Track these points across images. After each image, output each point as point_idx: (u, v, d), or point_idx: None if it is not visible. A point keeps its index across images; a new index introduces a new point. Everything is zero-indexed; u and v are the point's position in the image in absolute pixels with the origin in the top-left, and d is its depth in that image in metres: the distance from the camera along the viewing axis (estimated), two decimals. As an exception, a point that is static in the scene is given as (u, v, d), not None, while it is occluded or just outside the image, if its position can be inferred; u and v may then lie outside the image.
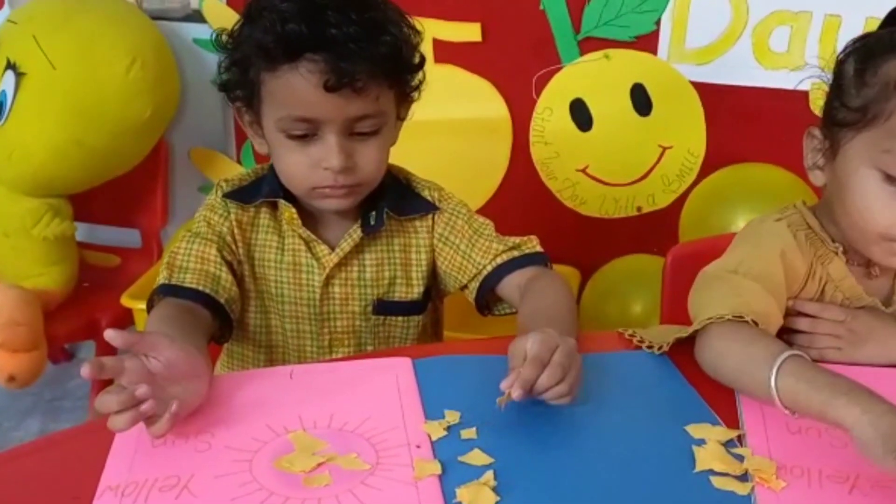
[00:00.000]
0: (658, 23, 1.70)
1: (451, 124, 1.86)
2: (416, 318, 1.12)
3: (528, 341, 0.82)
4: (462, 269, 1.09)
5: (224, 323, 1.02)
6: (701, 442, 0.79)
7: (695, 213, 1.74)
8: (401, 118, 1.07)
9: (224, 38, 1.02)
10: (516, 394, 0.78)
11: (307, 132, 0.98)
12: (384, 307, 1.10)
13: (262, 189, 1.06)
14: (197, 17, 1.92)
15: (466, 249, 1.08)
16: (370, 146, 1.00)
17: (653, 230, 1.84)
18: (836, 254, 0.95)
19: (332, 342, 1.10)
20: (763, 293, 0.91)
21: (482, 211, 1.83)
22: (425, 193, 1.12)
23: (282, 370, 0.93)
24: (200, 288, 0.99)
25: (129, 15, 1.80)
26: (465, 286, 1.10)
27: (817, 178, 0.96)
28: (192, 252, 1.02)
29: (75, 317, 1.81)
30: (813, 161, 0.95)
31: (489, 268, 1.07)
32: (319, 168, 0.99)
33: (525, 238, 1.10)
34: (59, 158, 1.69)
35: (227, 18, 1.85)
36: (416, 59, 1.04)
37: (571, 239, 1.89)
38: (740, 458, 0.77)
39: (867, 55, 0.90)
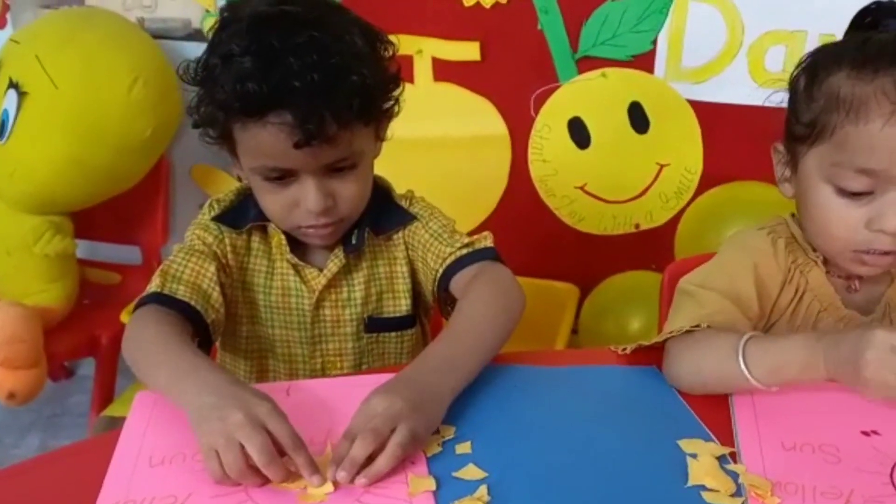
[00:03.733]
0: (655, 42, 1.71)
1: (450, 142, 1.88)
2: (409, 332, 1.12)
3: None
4: (426, 277, 1.08)
5: (202, 344, 0.98)
6: (694, 457, 0.80)
7: (691, 230, 1.75)
8: (381, 139, 1.05)
9: (192, 72, 0.97)
10: (340, 476, 0.75)
11: (283, 175, 0.96)
12: (375, 324, 1.10)
13: (250, 211, 1.05)
14: (199, 36, 1.94)
15: (423, 255, 1.07)
16: (349, 181, 0.99)
17: (651, 247, 1.85)
18: (816, 263, 0.96)
19: (324, 365, 1.10)
20: (727, 305, 0.92)
21: (482, 228, 1.84)
22: (402, 203, 1.10)
23: (278, 386, 0.93)
24: (192, 303, 0.97)
25: (131, 34, 1.81)
26: (435, 293, 1.09)
27: (787, 190, 0.98)
28: (188, 265, 1.01)
29: (76, 334, 1.82)
30: (781, 174, 0.97)
31: (440, 270, 1.05)
32: (299, 209, 0.98)
33: (477, 235, 1.08)
34: (61, 177, 1.70)
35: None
36: (393, 81, 1.00)
37: (570, 256, 1.90)
38: (734, 474, 0.78)
39: (814, 69, 0.91)
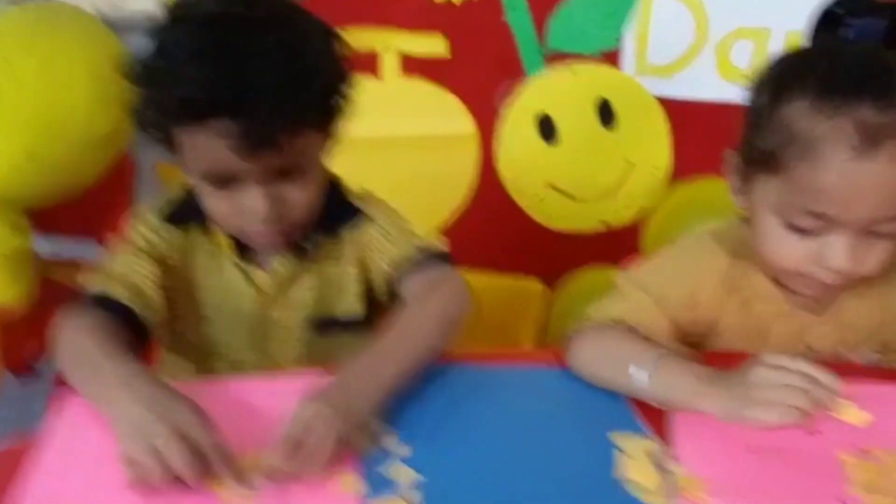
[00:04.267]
0: (622, 37, 1.70)
1: (418, 139, 1.86)
2: (360, 333, 1.09)
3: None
4: (378, 278, 1.06)
5: (139, 345, 0.96)
6: (627, 453, 0.78)
7: (658, 228, 1.74)
8: (333, 138, 1.00)
9: (136, 70, 0.93)
10: (283, 452, 0.75)
11: (229, 180, 0.92)
12: (325, 327, 1.08)
13: (194, 209, 1.00)
14: (163, 30, 1.91)
15: (376, 256, 1.05)
16: (297, 186, 0.95)
17: (619, 244, 1.83)
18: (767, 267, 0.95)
19: (272, 368, 1.07)
20: (652, 306, 0.92)
21: (449, 226, 1.86)
22: (354, 202, 1.07)
23: (213, 385, 0.91)
24: (130, 304, 0.95)
25: (93, 29, 1.78)
26: (390, 293, 1.06)
27: (739, 202, 0.96)
28: (127, 264, 0.98)
29: (38, 332, 1.79)
30: (734, 185, 0.95)
31: (392, 272, 1.03)
32: (245, 213, 0.94)
33: (431, 239, 1.06)
34: (17, 174, 1.67)
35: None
36: (344, 81, 0.96)
37: (539, 253, 1.88)
38: (668, 472, 0.76)
39: (778, 87, 0.87)
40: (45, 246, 1.97)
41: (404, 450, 0.79)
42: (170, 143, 0.94)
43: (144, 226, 1.03)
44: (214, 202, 0.96)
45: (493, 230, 1.87)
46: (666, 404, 0.84)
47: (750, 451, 0.79)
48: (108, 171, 1.86)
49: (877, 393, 0.87)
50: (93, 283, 0.96)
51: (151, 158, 2.01)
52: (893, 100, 0.81)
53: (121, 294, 0.96)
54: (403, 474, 0.76)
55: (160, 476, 0.73)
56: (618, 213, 1.83)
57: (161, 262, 1.01)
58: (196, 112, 0.87)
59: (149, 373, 0.83)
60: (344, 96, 0.97)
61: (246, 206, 0.93)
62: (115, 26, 1.90)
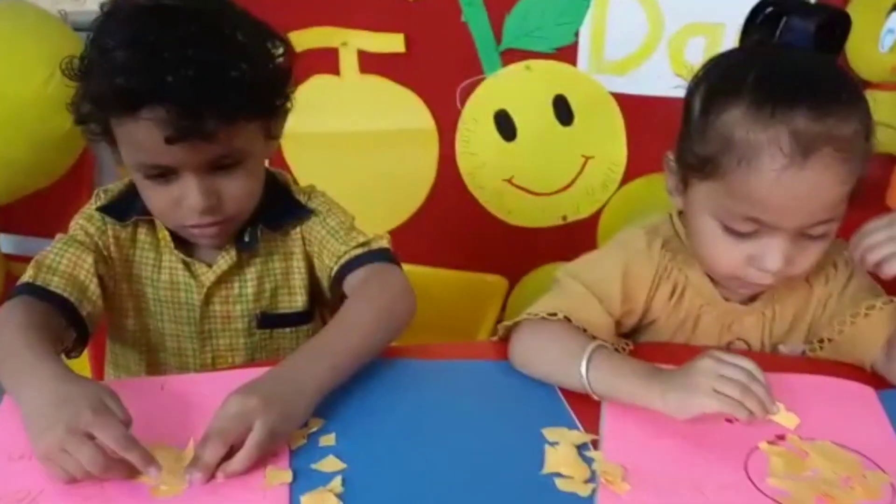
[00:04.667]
0: (577, 34, 1.71)
1: (378, 135, 1.87)
2: (304, 327, 1.11)
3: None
4: (322, 272, 1.08)
5: (79, 336, 0.97)
6: (555, 445, 0.80)
7: (613, 222, 1.76)
8: (273, 137, 1.02)
9: (74, 67, 0.94)
10: (195, 478, 0.75)
11: (164, 172, 0.93)
12: (269, 321, 1.09)
13: (137, 203, 1.01)
14: (124, 29, 1.92)
15: (319, 251, 1.06)
16: (235, 179, 0.96)
17: (578, 238, 1.85)
18: (696, 259, 0.97)
19: (214, 360, 1.09)
20: (589, 298, 0.94)
21: (410, 222, 1.87)
22: (300, 198, 1.09)
23: (155, 381, 0.93)
24: (65, 296, 0.95)
25: (50, 27, 1.79)
26: (333, 289, 1.07)
27: (677, 202, 0.98)
28: (65, 255, 0.99)
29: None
30: (672, 186, 0.97)
31: (335, 268, 1.04)
32: (183, 206, 0.95)
33: (374, 235, 1.07)
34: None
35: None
36: (282, 79, 0.98)
37: (498, 248, 1.90)
38: (591, 461, 0.78)
39: (712, 95, 0.89)
40: (7, 244, 1.98)
41: (332, 440, 0.81)
42: (109, 138, 0.96)
43: (85, 219, 1.03)
44: (152, 196, 0.97)
45: (452, 225, 1.88)
46: (602, 395, 0.86)
47: (670, 438, 0.81)
48: (68, 169, 1.87)
49: (800, 383, 0.90)
50: (27, 275, 0.97)
51: (111, 156, 2.02)
52: (827, 108, 0.83)
53: (55, 283, 0.96)
54: (331, 465, 0.78)
55: (74, 472, 0.74)
56: (576, 207, 1.85)
57: (98, 253, 1.01)
58: (126, 100, 0.88)
59: (57, 362, 0.84)
60: (279, 92, 0.98)
61: (182, 199, 0.94)
62: (77, 26, 1.91)
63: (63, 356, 0.94)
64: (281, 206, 1.07)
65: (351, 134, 1.84)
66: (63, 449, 0.73)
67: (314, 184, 1.15)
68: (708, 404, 0.78)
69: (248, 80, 0.90)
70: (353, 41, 1.80)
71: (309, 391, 0.84)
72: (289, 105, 1.01)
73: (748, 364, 0.81)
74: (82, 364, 1.26)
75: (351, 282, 1.03)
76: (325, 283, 1.08)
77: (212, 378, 0.95)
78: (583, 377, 0.85)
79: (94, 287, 0.99)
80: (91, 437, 0.74)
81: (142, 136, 0.89)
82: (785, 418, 0.83)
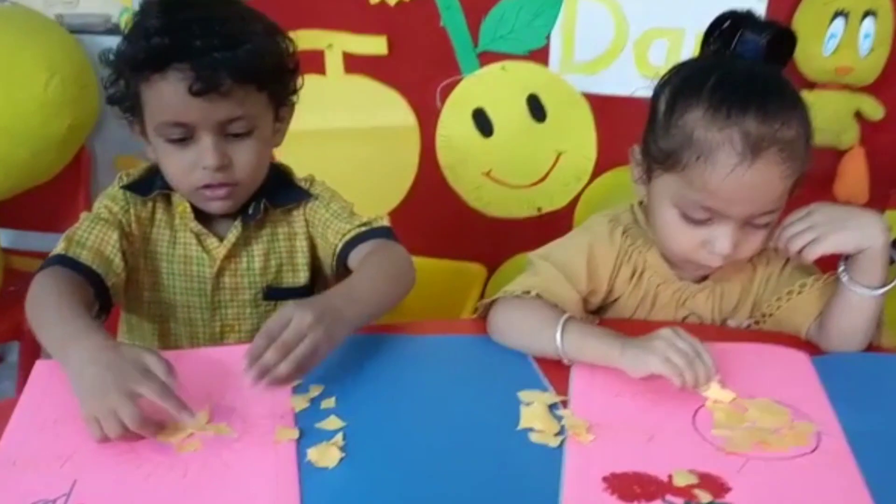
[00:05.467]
0: (549, 37, 1.82)
1: (362, 132, 1.97)
2: None
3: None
4: (324, 252, 1.19)
5: (103, 306, 1.08)
6: (529, 405, 0.92)
7: (586, 212, 1.87)
8: (280, 120, 1.16)
9: (109, 55, 1.10)
10: (251, 374, 0.88)
11: (184, 136, 1.06)
12: (274, 293, 1.20)
13: (157, 181, 1.15)
14: (118, 30, 2.00)
15: (323, 232, 1.19)
16: (244, 146, 1.09)
17: (552, 228, 1.92)
18: (654, 244, 1.09)
19: (223, 329, 1.20)
20: (559, 277, 1.05)
21: (394, 214, 1.98)
22: (300, 183, 1.22)
23: (168, 355, 1.02)
24: (94, 268, 1.06)
25: (48, 31, 1.87)
26: (333, 267, 1.19)
27: (640, 191, 1.09)
28: (92, 232, 1.10)
29: (1, 320, 1.88)
30: (637, 176, 1.09)
31: (339, 245, 1.16)
32: (198, 168, 1.07)
33: (374, 216, 1.20)
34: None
35: (146, 33, 1.96)
36: (289, 66, 1.13)
37: (477, 238, 2.00)
38: (560, 418, 0.90)
39: (676, 94, 1.01)
40: (5, 238, 2.06)
41: (332, 403, 0.92)
42: (136, 109, 1.09)
43: (109, 199, 1.16)
44: (171, 160, 1.09)
45: (434, 217, 1.99)
46: (572, 358, 0.97)
47: (629, 398, 0.93)
48: (66, 167, 1.95)
49: (744, 351, 1.02)
50: (59, 248, 1.09)
51: (109, 153, 2.10)
52: (774, 114, 0.96)
53: (84, 256, 1.07)
54: (332, 424, 0.88)
55: (117, 433, 0.84)
56: (550, 199, 1.97)
57: (121, 229, 1.13)
58: (158, 56, 1.02)
59: (101, 331, 0.94)
60: (285, 71, 1.13)
61: (199, 161, 1.07)
62: (72, 28, 1.99)
63: None
64: (282, 187, 1.20)
65: (337, 131, 1.94)
66: (110, 409, 0.83)
67: (282, 163, 1.26)
68: (656, 364, 0.90)
69: (260, 53, 1.06)
70: (338, 43, 1.90)
71: (347, 322, 0.96)
72: (294, 98, 1.15)
73: (699, 345, 0.92)
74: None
75: (356, 256, 1.15)
76: (327, 260, 1.19)
77: (221, 353, 1.05)
78: (557, 342, 0.96)
79: (118, 261, 1.10)
80: (135, 397, 0.84)
81: (169, 90, 1.03)
82: (721, 394, 0.93)
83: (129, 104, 1.10)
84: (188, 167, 1.08)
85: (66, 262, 1.06)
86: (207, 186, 1.09)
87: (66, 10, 2.01)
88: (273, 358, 0.88)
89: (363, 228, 1.16)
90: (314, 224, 1.20)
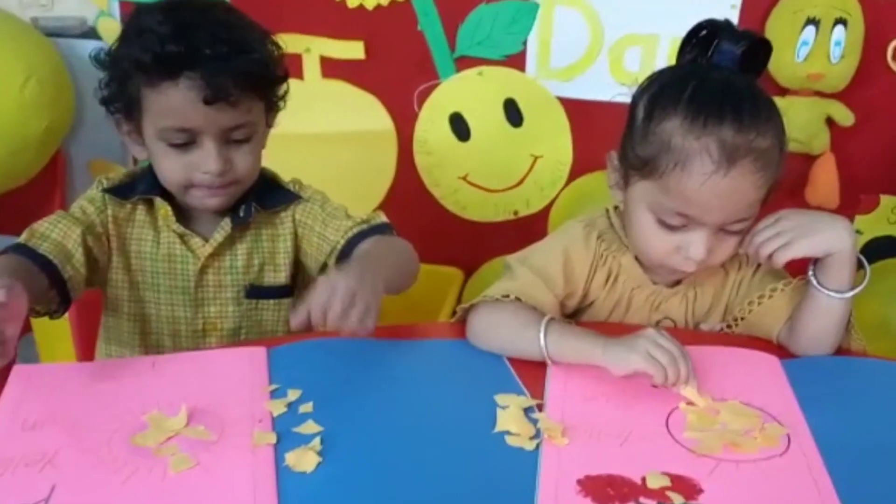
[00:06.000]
0: (525, 43, 1.84)
1: (339, 135, 1.98)
2: (285, 301, 1.24)
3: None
4: (319, 249, 1.21)
5: (62, 300, 1.08)
6: (505, 408, 0.93)
7: (561, 216, 1.89)
8: (268, 125, 1.19)
9: (103, 56, 1.11)
10: (314, 315, 0.92)
11: (187, 140, 1.09)
12: (255, 292, 1.22)
13: (139, 186, 1.16)
14: (94, 34, 1.99)
15: (321, 230, 1.20)
16: (244, 151, 1.12)
17: (529, 232, 1.96)
18: (628, 248, 1.11)
19: (205, 326, 1.21)
20: (536, 281, 1.06)
21: (371, 217, 1.97)
22: (288, 186, 1.24)
23: (146, 360, 1.03)
24: (50, 258, 1.06)
25: (24, 34, 1.86)
26: (325, 264, 1.21)
27: (616, 195, 1.11)
28: (56, 226, 1.11)
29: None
30: (613, 181, 1.10)
31: (342, 242, 1.18)
32: (197, 171, 1.10)
33: (372, 213, 1.23)
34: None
35: (122, 35, 1.96)
36: (280, 73, 1.16)
37: (454, 242, 2.02)
38: (536, 421, 0.91)
39: (654, 102, 1.02)
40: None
41: (310, 407, 0.92)
42: (133, 113, 1.10)
43: (87, 200, 1.17)
44: (170, 163, 1.10)
45: (411, 220, 1.97)
46: (556, 357, 0.98)
47: (603, 400, 0.94)
48: (41, 170, 1.94)
49: (716, 354, 1.04)
50: (22, 238, 1.08)
51: (84, 157, 2.10)
52: (749, 124, 0.97)
53: (44, 248, 1.07)
54: (310, 428, 0.89)
55: None
56: (526, 202, 1.99)
57: (89, 228, 1.13)
58: (171, 63, 1.04)
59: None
60: (281, 80, 1.16)
61: (201, 163, 1.09)
62: (47, 31, 1.98)
63: (48, 318, 1.10)
64: (271, 190, 1.22)
65: (314, 135, 1.95)
66: None
67: (267, 167, 1.26)
68: (639, 362, 0.91)
69: (263, 62, 1.11)
70: (315, 47, 1.91)
71: (378, 287, 1.00)
72: (281, 104, 1.18)
73: (681, 347, 0.94)
74: (67, 349, 1.36)
75: (360, 249, 1.17)
76: (321, 258, 1.21)
77: (199, 356, 1.05)
78: (541, 342, 0.98)
79: (79, 255, 1.10)
80: None
81: (179, 97, 1.05)
82: (696, 397, 0.94)
83: (123, 106, 1.11)
84: (188, 170, 1.10)
85: (23, 250, 1.06)
86: (206, 186, 1.11)
87: (41, 13, 2.00)
88: (334, 315, 0.92)
89: (364, 226, 1.19)
90: (307, 224, 1.22)
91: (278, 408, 0.92)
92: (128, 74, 1.08)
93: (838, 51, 1.62)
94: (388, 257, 1.11)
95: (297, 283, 1.26)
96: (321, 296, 0.93)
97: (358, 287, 0.94)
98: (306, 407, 0.93)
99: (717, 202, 0.99)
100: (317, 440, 0.87)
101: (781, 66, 1.63)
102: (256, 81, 1.09)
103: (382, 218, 1.22)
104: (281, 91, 1.18)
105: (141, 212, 1.18)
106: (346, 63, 1.92)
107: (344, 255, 1.18)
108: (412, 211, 2.00)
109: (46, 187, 2.00)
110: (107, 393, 0.95)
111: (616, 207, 1.15)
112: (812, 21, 1.61)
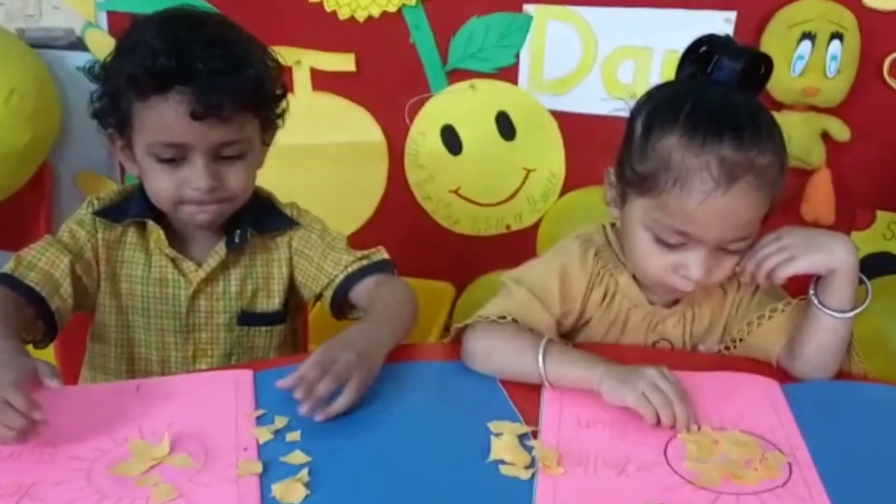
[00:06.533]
0: (518, 56, 1.82)
1: (330, 149, 1.96)
2: (278, 327, 1.21)
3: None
4: (315, 279, 1.18)
5: (49, 329, 1.06)
6: (499, 436, 0.90)
7: (550, 231, 1.87)
8: (266, 144, 1.16)
9: (97, 69, 1.09)
10: (304, 409, 0.90)
11: (176, 156, 1.06)
12: (248, 318, 1.19)
13: (131, 208, 1.13)
14: (81, 45, 1.97)
15: (319, 261, 1.18)
16: (236, 169, 1.09)
17: (521, 246, 1.96)
18: (626, 267, 1.08)
19: (195, 353, 1.18)
20: (533, 300, 1.04)
21: (362, 231, 1.96)
22: (286, 211, 1.21)
23: (130, 384, 1.00)
24: (38, 290, 1.04)
25: (8, 45, 1.83)
26: (321, 295, 1.19)
27: (613, 213, 1.08)
28: (44, 254, 1.08)
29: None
30: (611, 198, 1.08)
31: (341, 277, 1.16)
32: (187, 187, 1.07)
33: (373, 249, 1.20)
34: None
35: (109, 47, 1.90)
36: (279, 90, 1.13)
37: (446, 256, 2.00)
38: (531, 449, 0.88)
39: (652, 118, 1.00)
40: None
41: (297, 436, 0.89)
42: (124, 127, 1.07)
43: (76, 223, 1.13)
44: (160, 178, 1.07)
45: (402, 234, 1.96)
46: (554, 381, 0.96)
47: (600, 428, 0.92)
48: (27, 183, 1.91)
49: (714, 379, 1.01)
50: (7, 267, 1.06)
51: (71, 169, 2.07)
52: (749, 141, 0.95)
53: (30, 278, 1.05)
54: (297, 458, 0.86)
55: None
56: (518, 216, 1.97)
57: (78, 255, 1.10)
58: (162, 78, 1.01)
59: (7, 339, 0.92)
60: (278, 99, 1.13)
61: (190, 179, 1.06)
62: (33, 42, 1.96)
63: (32, 347, 1.05)
64: (267, 214, 1.19)
65: (305, 148, 1.92)
66: None
67: (263, 187, 1.24)
68: (631, 400, 0.90)
69: (260, 79, 1.08)
70: (306, 60, 1.89)
71: (378, 356, 0.99)
72: (279, 122, 1.16)
73: (682, 390, 0.91)
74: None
75: (361, 289, 1.16)
76: (315, 288, 1.19)
77: (184, 380, 1.02)
78: (539, 365, 0.96)
79: (66, 285, 1.08)
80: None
81: (169, 112, 1.02)
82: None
83: (116, 121, 1.08)
84: (176, 185, 1.08)
85: (9, 281, 1.04)
86: (196, 202, 1.09)
87: (27, 23, 1.98)
88: (325, 388, 0.90)
89: (365, 262, 1.17)
90: (303, 252, 1.19)
91: (264, 435, 0.90)
92: (120, 89, 1.05)
93: (834, 65, 1.61)
94: (392, 319, 1.08)
95: (290, 308, 1.24)
96: (321, 357, 0.92)
97: (357, 366, 0.93)
98: (294, 436, 0.90)
99: (716, 220, 0.97)
100: (305, 471, 0.84)
101: (777, 80, 1.60)
102: (251, 98, 1.07)
103: (384, 254, 1.20)
104: (279, 108, 1.15)
105: (132, 234, 1.15)
106: (337, 75, 1.90)
107: (342, 290, 1.16)
108: (403, 225, 1.99)
109: (32, 200, 1.98)
110: (88, 419, 0.92)
111: (613, 224, 1.13)
112: (808, 35, 1.60)
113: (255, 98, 1.08)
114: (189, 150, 1.05)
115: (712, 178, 0.94)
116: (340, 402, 0.91)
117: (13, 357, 0.89)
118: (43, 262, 1.07)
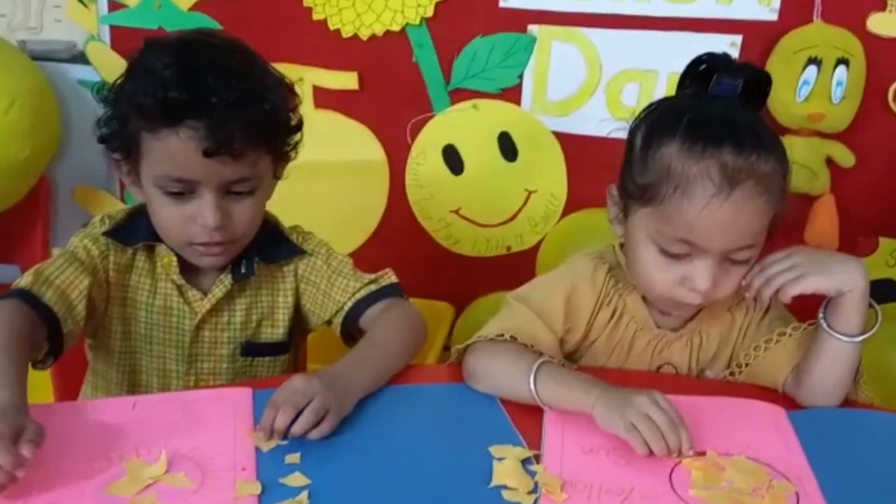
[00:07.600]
0: (521, 77, 1.82)
1: (331, 167, 1.95)
2: (281, 357, 1.18)
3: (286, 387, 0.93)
4: (323, 307, 1.16)
5: (52, 349, 1.02)
6: (501, 460, 0.88)
7: (551, 253, 1.86)
8: (277, 177, 1.12)
9: (106, 91, 1.05)
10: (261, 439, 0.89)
11: (184, 190, 1.02)
12: (252, 349, 1.16)
13: (140, 230, 1.09)
14: (82, 58, 1.96)
15: (326, 288, 1.15)
16: (245, 205, 1.05)
17: (522, 268, 1.94)
18: (635, 288, 1.07)
19: (197, 382, 1.15)
20: (535, 320, 1.03)
21: (362, 250, 1.95)
22: (292, 237, 1.17)
23: (126, 401, 0.99)
24: (54, 310, 1.00)
25: (9, 57, 1.83)
26: (329, 321, 1.16)
27: (617, 230, 1.07)
28: (64, 272, 1.04)
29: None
30: (614, 215, 1.07)
31: (350, 304, 1.14)
32: (195, 224, 1.03)
33: (380, 273, 1.18)
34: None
35: (111, 61, 1.93)
36: (294, 122, 1.09)
37: (446, 276, 1.98)
38: (533, 474, 0.87)
39: (652, 131, 1.00)
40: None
41: (297, 458, 0.88)
42: (131, 155, 1.04)
43: (90, 240, 1.09)
44: (166, 213, 1.04)
45: (402, 253, 1.95)
46: (548, 404, 0.95)
47: (604, 453, 0.90)
48: (25, 196, 1.90)
49: (720, 406, 1.00)
50: (25, 281, 1.01)
51: (69, 183, 2.05)
52: (749, 148, 0.94)
53: (48, 296, 1.00)
54: (297, 480, 0.84)
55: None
56: (519, 238, 1.95)
57: (94, 275, 1.07)
58: (173, 111, 0.97)
59: (12, 390, 0.86)
60: (293, 135, 1.09)
61: (197, 217, 1.02)
62: (34, 55, 1.95)
63: (31, 366, 0.99)
64: (275, 243, 1.15)
65: (306, 165, 1.89)
66: None
67: (270, 211, 1.21)
68: (621, 430, 0.88)
69: (276, 114, 1.04)
70: (308, 77, 1.88)
71: (353, 388, 0.97)
72: (293, 155, 1.12)
73: (677, 417, 0.89)
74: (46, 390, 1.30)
75: (370, 315, 1.13)
76: (324, 316, 1.16)
77: (180, 397, 1.00)
78: (532, 389, 0.94)
79: (80, 308, 1.04)
80: None
81: (178, 146, 0.98)
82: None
83: (122, 146, 1.04)
84: (184, 221, 1.04)
85: (28, 297, 0.99)
86: (202, 243, 1.05)
87: (29, 36, 1.97)
88: (283, 420, 0.88)
89: (373, 287, 1.15)
90: (310, 280, 1.16)
91: (266, 444, 0.89)
92: (128, 115, 1.01)
93: (840, 91, 1.61)
94: (387, 343, 1.06)
95: (294, 337, 1.21)
96: (279, 394, 0.91)
97: (319, 391, 0.91)
98: (293, 458, 0.88)
99: (719, 227, 0.95)
100: (304, 494, 0.82)
101: (782, 105, 1.61)
102: (265, 134, 1.02)
103: (392, 278, 1.17)
104: (293, 141, 1.10)
105: (141, 258, 1.12)
106: (339, 94, 1.90)
107: (352, 317, 1.14)
108: (403, 244, 1.98)
109: (30, 213, 1.96)
110: (83, 436, 0.90)
111: (621, 245, 1.12)
112: (813, 61, 1.59)
113: (270, 133, 1.04)
114: (198, 185, 1.01)
115: (714, 185, 0.94)
116: (296, 428, 0.89)
117: (5, 411, 0.83)
118: (61, 280, 1.03)
